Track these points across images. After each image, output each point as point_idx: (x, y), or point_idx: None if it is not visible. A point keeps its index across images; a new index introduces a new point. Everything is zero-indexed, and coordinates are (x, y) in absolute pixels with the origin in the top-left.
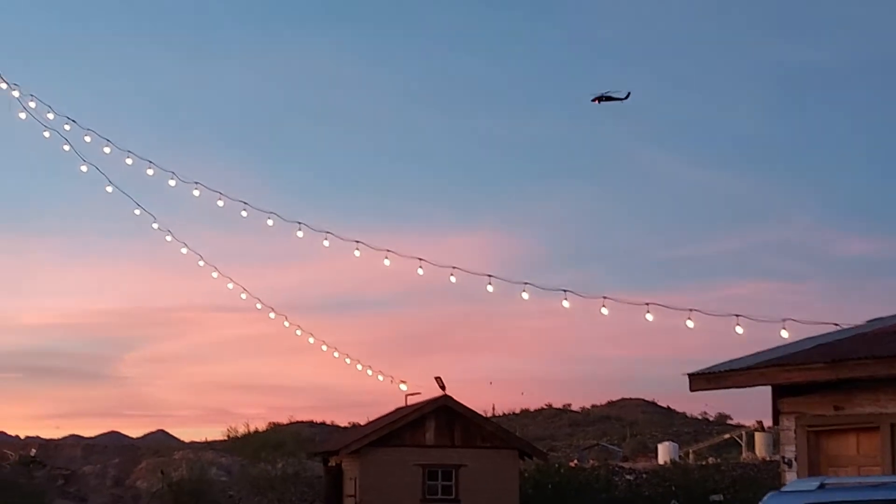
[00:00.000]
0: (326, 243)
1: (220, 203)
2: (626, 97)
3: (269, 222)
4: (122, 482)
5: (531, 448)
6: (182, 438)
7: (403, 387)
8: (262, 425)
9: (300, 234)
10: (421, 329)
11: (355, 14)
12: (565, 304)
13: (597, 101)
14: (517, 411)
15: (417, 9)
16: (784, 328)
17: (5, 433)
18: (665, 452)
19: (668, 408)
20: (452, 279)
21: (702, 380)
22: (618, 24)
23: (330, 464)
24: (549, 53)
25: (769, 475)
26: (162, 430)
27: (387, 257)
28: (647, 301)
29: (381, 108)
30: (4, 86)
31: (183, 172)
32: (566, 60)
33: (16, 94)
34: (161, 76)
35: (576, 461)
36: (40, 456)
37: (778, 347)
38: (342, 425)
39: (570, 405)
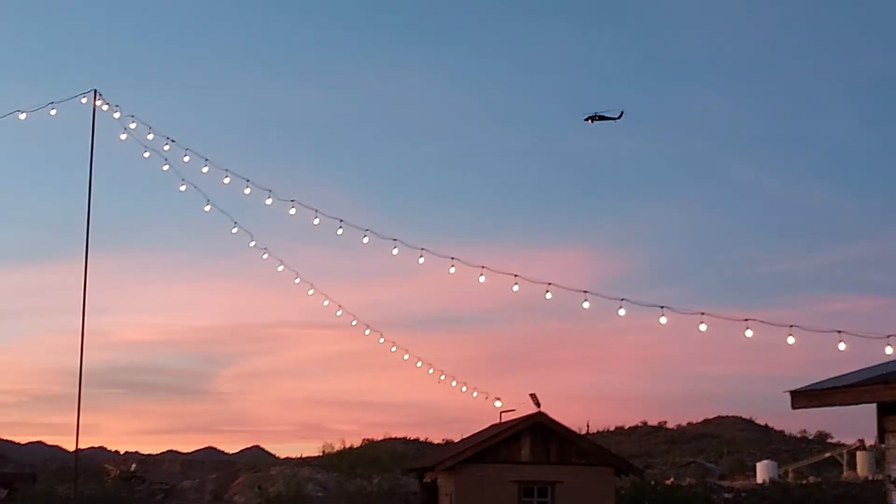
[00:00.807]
0: (422, 260)
1: (316, 221)
2: (620, 116)
3: (365, 239)
4: (220, 497)
5: (627, 465)
6: (277, 454)
7: (498, 403)
8: (356, 441)
9: (395, 250)
10: (516, 345)
11: (447, 35)
12: (662, 320)
13: (590, 121)
14: (611, 428)
15: (502, 26)
16: (889, 344)
17: (106, 448)
18: (764, 471)
19: (766, 426)
20: (548, 295)
21: (804, 397)
22: (710, 38)
23: (425, 480)
24: (639, 67)
25: (872, 494)
26: (257, 446)
27: (482, 273)
28: (746, 317)
29: (473, 125)
30: (106, 107)
31: (279, 190)
32: (657, 75)
33: (117, 115)
34: (257, 96)
35: (672, 479)
36: (140, 471)
37: (883, 364)
38: (436, 442)
39: (665, 422)
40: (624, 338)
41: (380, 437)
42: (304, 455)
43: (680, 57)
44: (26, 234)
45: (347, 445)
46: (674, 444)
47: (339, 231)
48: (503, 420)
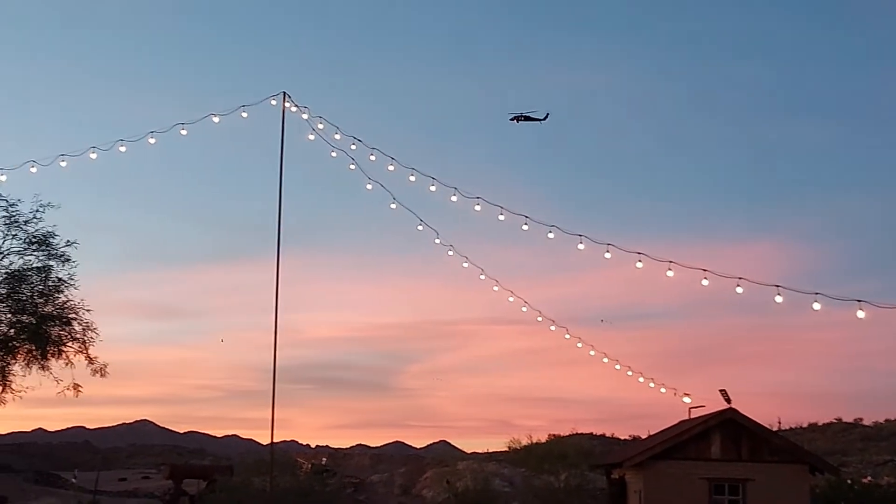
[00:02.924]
0: (608, 255)
1: (501, 217)
2: (545, 118)
3: (550, 235)
4: (408, 491)
5: (822, 463)
6: (464, 449)
7: (686, 399)
8: (542, 437)
9: (581, 246)
10: (704, 341)
11: (640, 25)
12: (860, 314)
13: (516, 121)
14: (804, 425)
15: (703, 13)
16: None
17: (297, 442)
18: None
19: None
20: (739, 290)
21: None
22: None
23: (613, 476)
24: (828, 57)
25: None
26: (444, 441)
27: (670, 268)
28: None
29: (659, 119)
30: (294, 109)
31: (464, 188)
32: (857, 63)
33: (305, 116)
34: (441, 94)
35: (869, 478)
36: (330, 465)
37: None
38: (622, 438)
39: (861, 419)
40: (817, 333)
41: (566, 433)
42: (490, 450)
43: (883, 44)
44: (220, 235)
45: (534, 441)
46: (870, 441)
47: (525, 227)
48: (692, 416)
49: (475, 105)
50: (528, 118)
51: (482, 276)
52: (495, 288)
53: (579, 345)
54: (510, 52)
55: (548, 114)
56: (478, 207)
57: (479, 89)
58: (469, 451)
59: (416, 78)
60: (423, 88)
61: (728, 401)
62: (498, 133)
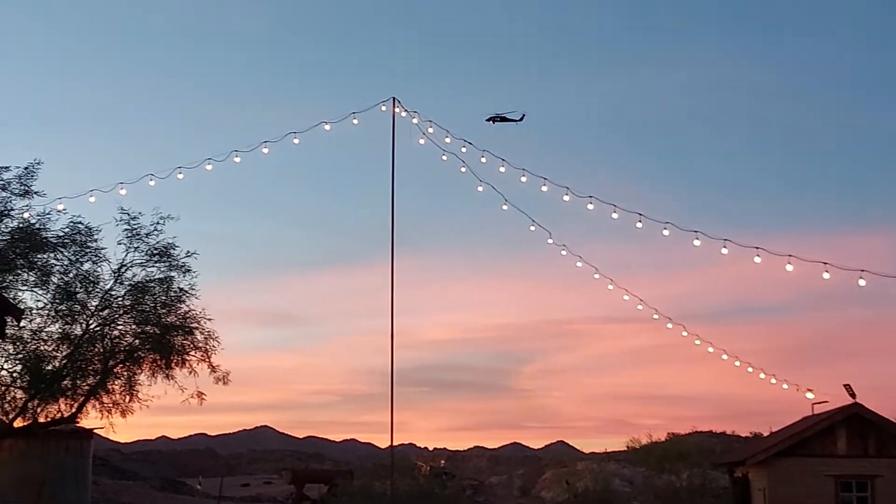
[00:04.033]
0: (725, 251)
1: (615, 215)
2: (521, 119)
3: (665, 232)
4: (527, 492)
5: None
6: (582, 449)
7: (809, 395)
8: (661, 436)
9: (697, 242)
10: (826, 335)
11: (740, 17)
12: None
13: (491, 122)
14: None
15: (803, 8)
16: None
17: (415, 445)
18: None
19: None
20: (861, 282)
21: None
22: None
23: (736, 474)
24: None
25: None
26: (562, 441)
27: (789, 262)
28: None
29: (770, 109)
30: (404, 114)
31: (576, 187)
32: None
33: (415, 121)
34: (549, 94)
35: None
36: (449, 467)
37: None
38: (744, 435)
39: None
40: None
41: (685, 431)
42: (609, 450)
43: None
44: (334, 241)
45: (653, 440)
46: None
47: (639, 225)
48: (815, 412)
49: (585, 102)
50: (504, 119)
51: (596, 276)
52: (610, 286)
53: (697, 342)
54: (612, 50)
55: (524, 115)
56: (590, 206)
57: (588, 85)
58: (587, 452)
59: (523, 78)
60: (533, 88)
61: (853, 395)
62: (608, 131)
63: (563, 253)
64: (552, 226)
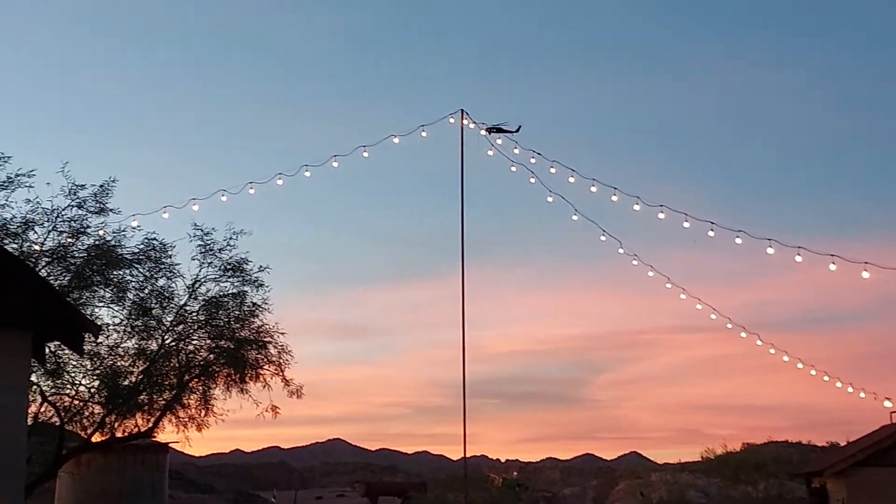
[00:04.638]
0: (798, 258)
1: (686, 224)
2: (517, 130)
3: (738, 240)
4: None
5: None
6: (655, 460)
7: (888, 404)
8: (736, 446)
9: (770, 250)
10: None
11: (785, 18)
12: None
13: (488, 132)
14: None
15: (854, 7)
16: None
17: (487, 457)
18: None
19: None
20: None
21: None
22: None
23: (813, 485)
24: None
25: None
26: (635, 452)
27: (865, 269)
28: None
29: (839, 113)
30: (472, 125)
31: (647, 196)
32: None
33: (483, 132)
34: (618, 103)
35: None
36: (522, 478)
37: None
38: (820, 445)
39: None
40: None
41: (761, 441)
42: (683, 460)
43: None
44: (404, 253)
45: (727, 450)
46: None
47: (711, 233)
48: (894, 421)
49: (655, 111)
50: (500, 129)
51: (668, 285)
52: (682, 296)
53: (772, 350)
54: (684, 56)
55: (520, 126)
56: (661, 215)
57: (657, 93)
58: (660, 462)
59: (592, 88)
60: (601, 98)
61: None
62: (678, 138)
63: (635, 262)
64: (623, 235)
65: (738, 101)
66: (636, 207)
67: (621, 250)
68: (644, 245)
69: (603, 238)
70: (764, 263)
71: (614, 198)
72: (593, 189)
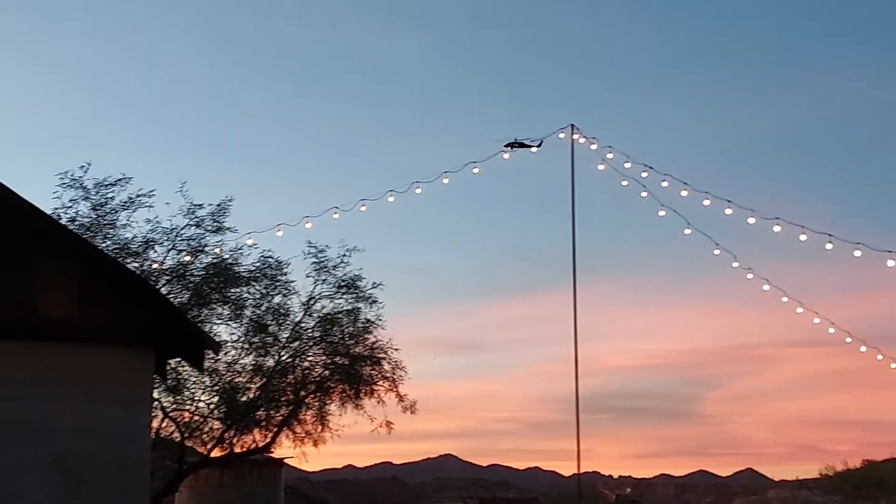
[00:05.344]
0: None
1: (803, 237)
2: (540, 145)
3: (857, 253)
4: None
5: None
6: (771, 477)
7: None
8: (856, 462)
9: (891, 263)
10: None
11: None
12: None
13: (509, 147)
14: None
15: None
16: None
17: (599, 473)
18: None
19: None
20: None
21: None
22: None
23: None
24: None
25: None
26: (750, 469)
27: None
28: None
29: None
30: (583, 140)
31: (762, 208)
32: None
33: (594, 147)
34: (731, 114)
35: None
36: (634, 494)
37: None
38: None
39: None
40: None
41: (882, 458)
42: (801, 477)
43: None
44: (515, 268)
45: (847, 466)
46: None
47: (829, 246)
48: None
49: (768, 121)
50: (521, 145)
51: (784, 299)
52: (799, 310)
53: (893, 365)
54: (792, 65)
55: (542, 141)
56: (777, 228)
57: (769, 105)
58: (777, 479)
59: (703, 100)
60: (714, 110)
61: None
62: (793, 147)
63: (750, 276)
64: (737, 249)
65: (859, 110)
66: (751, 221)
67: (735, 264)
68: (759, 258)
69: (716, 252)
70: (883, 276)
71: (728, 211)
72: (706, 202)
